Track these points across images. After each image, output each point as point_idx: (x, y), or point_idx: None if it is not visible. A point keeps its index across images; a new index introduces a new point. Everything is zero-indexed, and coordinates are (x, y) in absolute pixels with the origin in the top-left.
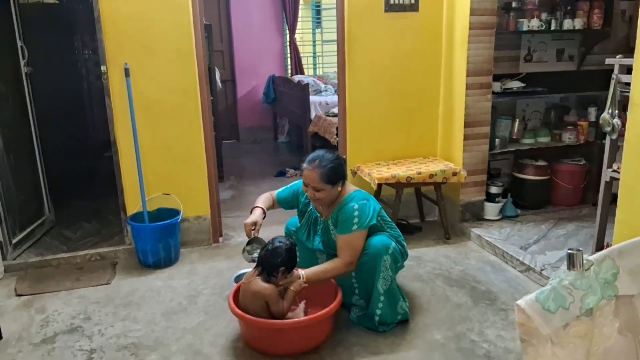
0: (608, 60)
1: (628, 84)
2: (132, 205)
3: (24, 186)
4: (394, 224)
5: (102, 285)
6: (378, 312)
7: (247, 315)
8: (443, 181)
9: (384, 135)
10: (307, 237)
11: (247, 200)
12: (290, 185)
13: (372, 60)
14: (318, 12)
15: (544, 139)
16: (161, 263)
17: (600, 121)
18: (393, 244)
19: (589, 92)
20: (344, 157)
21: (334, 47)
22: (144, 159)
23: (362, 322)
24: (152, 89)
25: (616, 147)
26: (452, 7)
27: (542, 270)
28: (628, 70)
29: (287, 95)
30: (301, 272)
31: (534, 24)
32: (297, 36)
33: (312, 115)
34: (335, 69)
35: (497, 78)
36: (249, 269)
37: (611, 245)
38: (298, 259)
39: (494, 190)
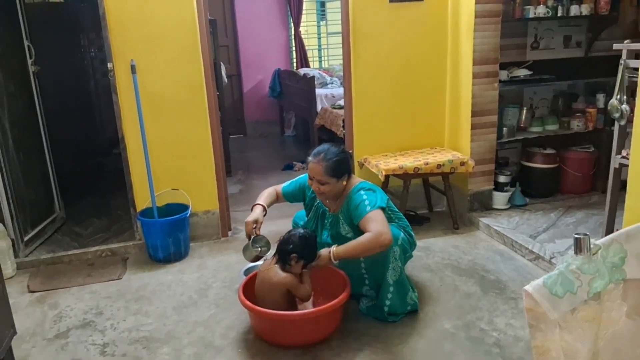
0: (616, 46)
1: (636, 70)
2: (142, 201)
3: (34, 184)
4: (401, 215)
5: (113, 280)
6: (387, 302)
7: (257, 307)
8: (451, 171)
9: (390, 126)
10: (315, 231)
11: (255, 194)
12: (296, 179)
13: (377, 51)
14: (322, 5)
15: (552, 127)
16: (171, 257)
17: (609, 107)
18: (402, 234)
19: (597, 78)
20: (351, 151)
21: (339, 39)
22: (152, 154)
23: (371, 312)
24: (158, 85)
25: (625, 134)
26: None
27: (551, 258)
28: (636, 55)
29: (293, 88)
30: (332, 248)
31: (541, 10)
32: (302, 29)
33: (319, 108)
34: (341, 62)
35: (503, 66)
36: (258, 262)
37: None
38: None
39: (502, 179)
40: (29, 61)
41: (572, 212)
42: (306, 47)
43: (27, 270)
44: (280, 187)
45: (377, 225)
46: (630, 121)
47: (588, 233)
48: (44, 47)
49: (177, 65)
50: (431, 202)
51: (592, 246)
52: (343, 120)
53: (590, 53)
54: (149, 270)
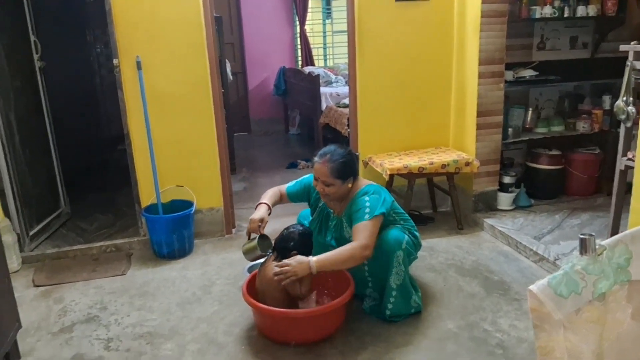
0: (622, 47)
1: None
2: (146, 197)
3: (40, 179)
4: (407, 215)
5: (117, 275)
6: (389, 306)
7: (260, 305)
8: (455, 171)
9: (395, 125)
10: (319, 232)
11: (259, 192)
12: (300, 179)
13: (383, 50)
14: (328, 3)
15: (557, 128)
16: (175, 254)
17: (615, 109)
18: (406, 237)
19: (603, 79)
20: (358, 154)
21: (345, 37)
22: (157, 151)
23: (374, 312)
24: (164, 81)
25: (631, 136)
26: None
27: (556, 260)
28: None
29: (297, 86)
30: (312, 258)
31: (547, 11)
32: (307, 27)
33: (323, 106)
34: (346, 60)
35: (509, 67)
36: (260, 260)
37: None
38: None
39: (507, 180)
40: (35, 56)
41: (577, 214)
42: (311, 45)
43: (33, 264)
44: (284, 188)
45: (364, 237)
46: (636, 123)
47: (593, 234)
48: (50, 42)
49: (183, 62)
50: (435, 202)
51: (597, 247)
52: (348, 119)
53: (596, 54)
54: (153, 266)
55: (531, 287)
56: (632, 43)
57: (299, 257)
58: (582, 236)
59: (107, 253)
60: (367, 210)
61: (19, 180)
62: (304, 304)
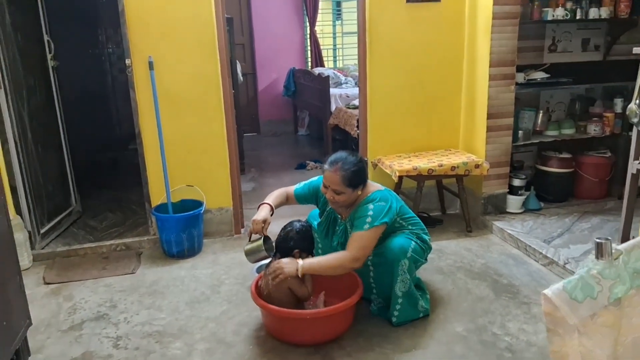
0: (635, 50)
1: None
2: (157, 196)
3: (51, 177)
4: (417, 218)
5: (127, 274)
6: (396, 313)
7: (269, 305)
8: (465, 173)
9: (405, 127)
10: (326, 235)
11: (267, 193)
12: (308, 181)
13: (393, 51)
14: (338, 4)
15: (568, 131)
16: (185, 253)
17: (627, 112)
18: (412, 244)
19: (615, 82)
20: (366, 159)
21: (354, 39)
22: (168, 150)
23: (382, 314)
24: (175, 82)
25: None
26: None
27: (565, 263)
28: None
29: (307, 88)
30: (300, 261)
31: (559, 13)
32: (317, 28)
33: (333, 107)
34: (356, 62)
35: (520, 69)
36: (264, 261)
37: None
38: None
39: (516, 182)
40: (49, 56)
41: (587, 218)
42: (321, 47)
43: (43, 262)
44: (292, 189)
45: (356, 248)
46: None
47: (610, 238)
48: (63, 42)
49: (195, 62)
50: (444, 204)
51: (613, 251)
52: (357, 120)
53: (608, 57)
54: (162, 265)
55: (545, 291)
56: None
57: (290, 258)
58: (598, 240)
59: (117, 251)
60: (368, 219)
61: (30, 178)
62: (312, 305)
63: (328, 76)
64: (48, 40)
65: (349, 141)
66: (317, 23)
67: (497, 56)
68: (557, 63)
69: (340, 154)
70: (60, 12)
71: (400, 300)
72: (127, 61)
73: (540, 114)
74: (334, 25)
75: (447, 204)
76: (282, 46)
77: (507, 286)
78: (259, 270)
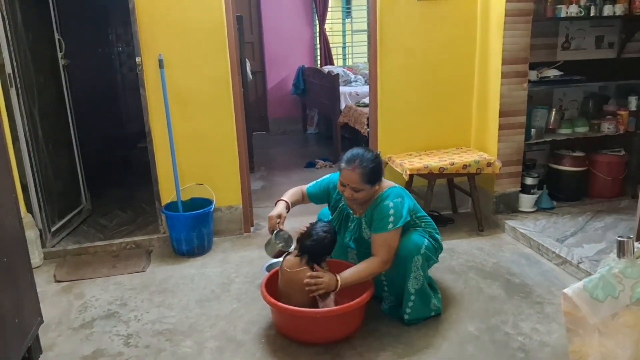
0: None
1: None
2: (167, 195)
3: (62, 176)
4: (428, 218)
5: (137, 272)
6: (408, 311)
7: (279, 304)
8: (477, 172)
9: (416, 125)
10: (338, 232)
11: (277, 191)
12: (320, 180)
13: (404, 49)
14: (348, 2)
15: (581, 129)
16: (195, 251)
17: None
18: (426, 242)
19: (630, 80)
20: (379, 152)
21: (364, 37)
22: (178, 149)
23: (393, 313)
24: (185, 80)
25: None
26: None
27: (579, 263)
28: None
29: (316, 86)
30: (338, 275)
31: (573, 10)
32: (326, 26)
33: (342, 106)
34: (365, 60)
35: (533, 66)
36: (280, 258)
37: None
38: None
39: (529, 181)
40: (59, 54)
41: (601, 217)
42: (331, 45)
43: (54, 260)
44: (305, 188)
45: (384, 252)
46: None
47: (632, 236)
48: (73, 41)
49: (205, 60)
50: (456, 203)
51: (635, 250)
52: (367, 119)
53: (622, 54)
54: (172, 263)
55: (566, 290)
56: None
57: (330, 274)
58: (620, 238)
59: (127, 250)
60: (391, 219)
61: (41, 176)
62: (322, 303)
63: (337, 74)
64: (59, 39)
65: (358, 139)
66: (327, 21)
67: (510, 54)
68: (570, 60)
69: (357, 151)
70: (70, 11)
71: (412, 298)
72: (137, 59)
73: (553, 112)
74: (344, 23)
75: (459, 202)
76: (291, 44)
77: (520, 286)
78: (268, 268)
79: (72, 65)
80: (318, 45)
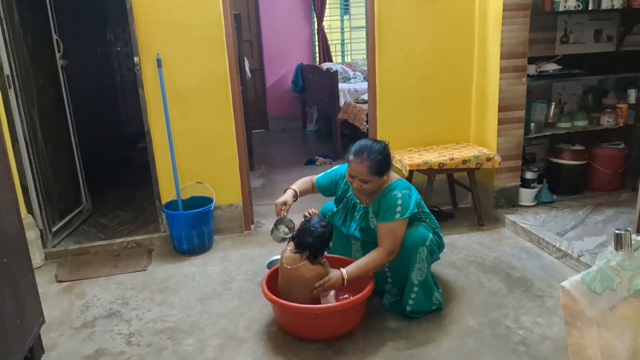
0: None
1: None
2: (167, 194)
3: (62, 176)
4: (432, 216)
5: (138, 271)
6: (410, 302)
7: (281, 301)
8: (477, 167)
9: (415, 120)
10: (343, 223)
11: (277, 189)
12: (330, 171)
13: (402, 45)
14: None
15: (581, 123)
16: (195, 250)
17: None
18: (431, 235)
19: (629, 73)
20: (387, 142)
21: (363, 33)
22: (177, 148)
23: (394, 308)
24: (184, 79)
25: None
26: None
27: (579, 256)
28: None
29: (315, 83)
30: (343, 271)
31: (571, 4)
32: (325, 23)
33: (341, 102)
34: (364, 56)
35: (532, 61)
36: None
37: None
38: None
39: (529, 175)
40: (58, 55)
41: (601, 210)
42: (329, 42)
43: (55, 260)
44: (315, 178)
45: (389, 242)
46: None
47: (629, 229)
48: (71, 41)
49: (203, 59)
50: (456, 198)
51: (633, 242)
52: (366, 115)
53: (621, 47)
54: (173, 262)
55: (564, 283)
56: None
57: (335, 272)
58: (617, 231)
59: (128, 249)
60: (399, 209)
61: (41, 177)
62: (324, 299)
63: (336, 71)
64: (57, 40)
65: (358, 136)
66: (325, 18)
67: (508, 48)
68: (569, 54)
69: (365, 143)
70: (68, 12)
71: (415, 289)
72: (136, 59)
73: (553, 106)
74: (342, 20)
75: (459, 197)
76: (289, 42)
77: (521, 279)
78: (269, 266)
79: (71, 66)
80: (316, 43)
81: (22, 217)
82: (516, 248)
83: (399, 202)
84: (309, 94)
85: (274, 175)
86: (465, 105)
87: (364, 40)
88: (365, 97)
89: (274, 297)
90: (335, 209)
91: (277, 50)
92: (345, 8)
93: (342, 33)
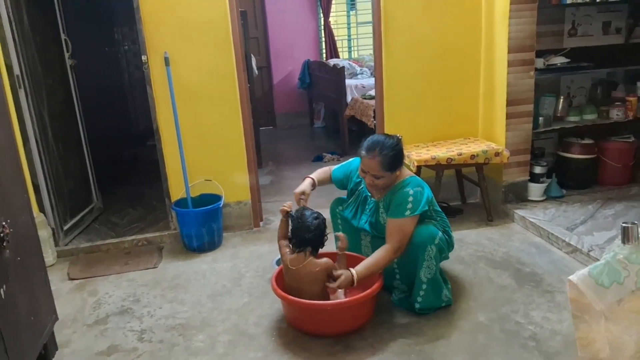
0: None
1: None
2: (176, 192)
3: (72, 175)
4: (443, 215)
5: (149, 269)
6: (419, 299)
7: (290, 297)
8: (485, 162)
9: (422, 116)
10: (354, 216)
11: (285, 186)
12: (344, 163)
13: (409, 39)
14: None
15: (590, 116)
16: (205, 247)
17: None
18: (440, 234)
19: (638, 66)
20: (400, 136)
21: (369, 29)
22: (186, 146)
23: (403, 304)
24: (191, 77)
25: None
26: None
27: (589, 251)
28: None
29: (322, 79)
30: (353, 271)
31: None
32: (331, 19)
33: (349, 98)
34: (371, 52)
35: (540, 54)
36: None
37: None
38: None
39: (538, 170)
40: (66, 55)
41: (611, 204)
42: (336, 38)
43: (67, 258)
44: (332, 169)
45: (397, 239)
46: None
47: (636, 222)
48: (80, 41)
49: (210, 56)
50: (464, 193)
51: None
52: (374, 111)
53: (630, 40)
54: (183, 259)
55: (571, 277)
56: None
57: (346, 272)
58: (624, 224)
59: (139, 247)
60: (410, 205)
61: (52, 176)
62: (333, 295)
63: (343, 67)
64: (65, 40)
65: (365, 132)
66: (331, 13)
67: (516, 42)
68: (577, 47)
69: (377, 138)
70: (76, 12)
71: (424, 287)
72: (144, 57)
73: (561, 100)
74: (348, 16)
75: (467, 193)
76: (296, 38)
77: (530, 275)
78: (278, 262)
79: (80, 65)
80: (323, 39)
81: (34, 215)
82: (525, 243)
83: (410, 198)
84: (316, 90)
85: (282, 172)
86: (473, 100)
87: (371, 35)
88: (372, 92)
89: (283, 294)
90: (345, 201)
91: (284, 47)
92: (352, 3)
93: (349, 29)
